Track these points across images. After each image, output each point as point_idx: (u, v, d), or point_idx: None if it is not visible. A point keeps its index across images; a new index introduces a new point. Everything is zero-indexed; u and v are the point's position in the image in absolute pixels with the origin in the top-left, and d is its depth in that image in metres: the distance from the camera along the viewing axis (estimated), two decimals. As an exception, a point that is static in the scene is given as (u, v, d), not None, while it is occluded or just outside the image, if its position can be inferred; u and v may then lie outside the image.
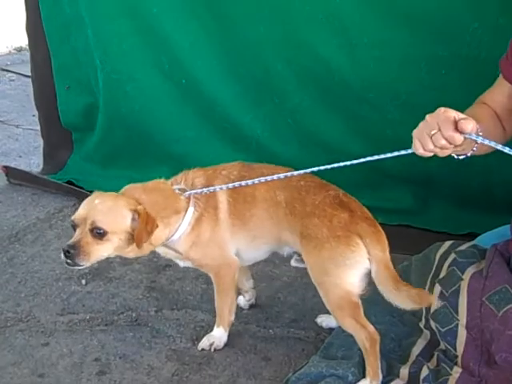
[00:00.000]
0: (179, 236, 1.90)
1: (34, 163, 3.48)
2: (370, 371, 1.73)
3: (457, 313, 1.81)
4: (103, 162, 3.15)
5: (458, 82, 2.36)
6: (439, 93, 2.44)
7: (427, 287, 1.93)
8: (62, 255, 1.79)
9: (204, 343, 1.98)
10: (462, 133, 1.48)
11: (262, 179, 1.81)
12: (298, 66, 2.68)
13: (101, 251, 1.82)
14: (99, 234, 1.79)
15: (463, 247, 2.01)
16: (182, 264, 2.00)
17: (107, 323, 2.13)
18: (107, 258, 2.48)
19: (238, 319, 2.09)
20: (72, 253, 1.77)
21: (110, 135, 3.10)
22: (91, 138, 3.19)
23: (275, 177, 1.79)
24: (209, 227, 1.91)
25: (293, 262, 2.03)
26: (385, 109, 2.57)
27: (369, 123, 2.59)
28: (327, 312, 1.96)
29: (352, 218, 1.76)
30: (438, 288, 1.89)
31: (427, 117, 1.53)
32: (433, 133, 1.50)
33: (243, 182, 1.84)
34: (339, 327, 1.87)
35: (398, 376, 1.71)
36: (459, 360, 1.75)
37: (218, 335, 1.98)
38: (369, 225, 1.77)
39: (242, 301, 2.18)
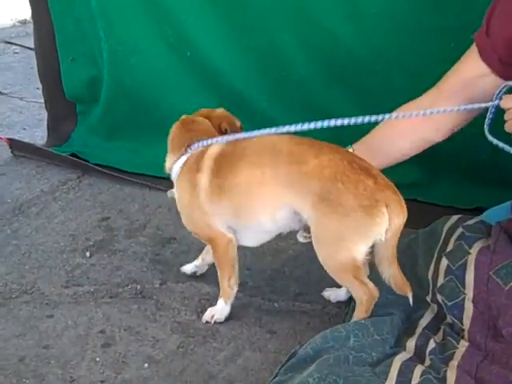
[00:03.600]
0: (175, 173, 1.98)
1: (38, 136, 3.45)
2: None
3: (463, 287, 1.80)
4: (107, 134, 3.13)
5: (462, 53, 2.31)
6: (448, 65, 2.39)
7: (434, 260, 1.92)
8: None
9: (206, 316, 1.97)
10: None
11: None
12: (304, 37, 2.64)
13: None
14: None
15: (471, 222, 1.99)
16: None
17: (112, 295, 2.12)
18: (112, 231, 2.51)
19: (243, 292, 2.08)
20: None
21: (114, 107, 3.08)
22: (95, 110, 3.17)
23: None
24: (188, 187, 1.92)
25: (300, 238, 1.92)
26: (392, 81, 2.53)
27: (376, 95, 2.55)
28: (334, 285, 1.96)
29: (376, 185, 1.69)
30: (444, 261, 1.88)
31: None
32: None
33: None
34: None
35: (405, 349, 1.70)
36: (466, 334, 1.74)
37: (220, 308, 1.97)
38: (393, 192, 1.72)
39: (189, 266, 2.20)
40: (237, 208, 1.87)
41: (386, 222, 1.69)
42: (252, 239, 1.95)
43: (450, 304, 1.80)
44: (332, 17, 2.55)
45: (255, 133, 1.87)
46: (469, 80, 1.83)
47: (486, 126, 1.71)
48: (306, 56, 2.66)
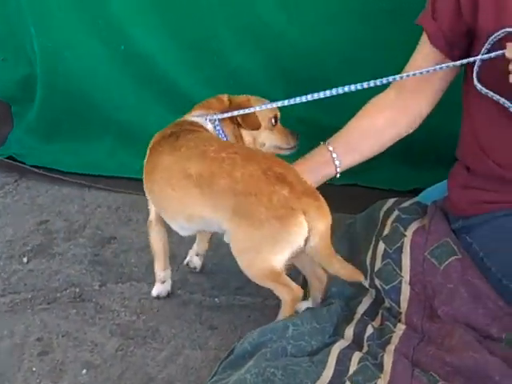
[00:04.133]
0: None
1: (-25, 140, 3.34)
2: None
3: (400, 269, 1.81)
4: (45, 134, 3.05)
5: (404, 38, 2.30)
6: (385, 49, 2.40)
7: (372, 245, 1.92)
8: None
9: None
10: None
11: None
12: (237, 27, 2.61)
13: None
14: None
15: (406, 204, 2.00)
16: None
17: (50, 301, 2.07)
18: (50, 234, 2.46)
19: (183, 289, 2.07)
20: None
21: (50, 106, 3.00)
22: (31, 111, 3.08)
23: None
24: None
25: (226, 239, 1.84)
26: (328, 67, 2.52)
27: (312, 82, 2.51)
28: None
29: (292, 194, 1.64)
30: (381, 245, 1.88)
31: None
32: None
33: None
34: None
35: (343, 337, 1.69)
36: (403, 317, 1.74)
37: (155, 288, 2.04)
38: (312, 198, 1.66)
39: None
40: (158, 206, 1.90)
41: (305, 230, 1.64)
42: (179, 230, 1.92)
43: (387, 288, 1.80)
44: (265, 6, 2.53)
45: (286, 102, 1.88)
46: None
47: (474, 75, 1.62)
48: (241, 44, 2.63)
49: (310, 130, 2.41)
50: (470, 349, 1.56)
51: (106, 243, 2.37)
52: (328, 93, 1.81)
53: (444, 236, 1.81)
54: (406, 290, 1.78)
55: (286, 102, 1.87)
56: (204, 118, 1.92)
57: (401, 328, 1.71)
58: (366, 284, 1.86)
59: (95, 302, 2.05)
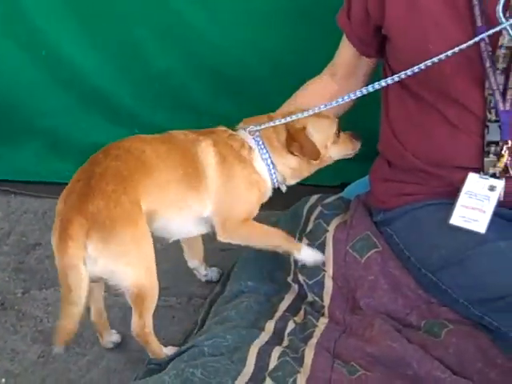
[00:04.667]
0: None
1: None
2: None
3: (323, 264, 1.82)
4: (-32, 141, 2.96)
5: (327, 37, 2.31)
6: (307, 48, 2.41)
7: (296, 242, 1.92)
8: None
9: None
10: None
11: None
12: (160, 29, 2.56)
13: None
14: None
15: (330, 200, 2.02)
16: None
17: (-29, 311, 2.01)
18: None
19: (107, 292, 2.02)
20: None
21: (-29, 113, 2.91)
22: (-47, 117, 2.99)
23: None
24: None
25: None
26: (252, 67, 2.52)
27: (237, 82, 2.53)
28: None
29: (63, 212, 1.58)
30: (305, 241, 1.89)
31: None
32: None
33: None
34: None
35: (264, 330, 1.69)
36: (326, 310, 1.76)
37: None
38: (57, 227, 1.57)
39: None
40: None
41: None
42: None
43: (310, 282, 1.82)
44: (186, 6, 2.51)
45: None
46: (351, 61, 1.87)
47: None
48: (164, 48, 2.59)
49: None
50: (389, 338, 1.58)
51: (31, 250, 2.32)
52: (364, 90, 1.69)
53: (365, 230, 1.84)
54: (329, 284, 1.80)
55: (322, 107, 1.77)
56: (245, 130, 1.84)
57: (323, 322, 1.72)
58: (290, 279, 1.87)
59: (17, 310, 2.01)
